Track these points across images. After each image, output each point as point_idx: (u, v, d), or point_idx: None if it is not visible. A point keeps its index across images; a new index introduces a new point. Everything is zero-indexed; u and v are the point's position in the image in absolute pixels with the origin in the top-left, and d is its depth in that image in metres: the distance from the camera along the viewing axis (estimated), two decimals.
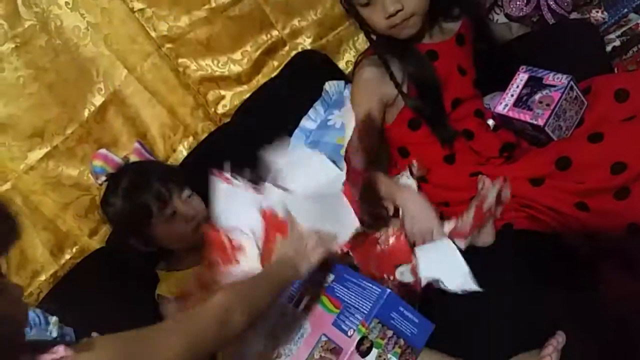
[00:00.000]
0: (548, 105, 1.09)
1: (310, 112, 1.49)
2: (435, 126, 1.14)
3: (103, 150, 1.17)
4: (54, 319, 1.12)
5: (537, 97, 1.12)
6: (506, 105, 1.15)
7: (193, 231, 1.13)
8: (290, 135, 1.48)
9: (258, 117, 1.49)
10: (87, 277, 1.24)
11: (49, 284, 1.28)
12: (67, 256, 1.31)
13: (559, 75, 1.11)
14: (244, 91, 1.55)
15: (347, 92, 1.52)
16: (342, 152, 1.38)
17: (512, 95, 1.15)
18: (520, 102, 1.14)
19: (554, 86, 1.11)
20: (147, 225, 1.12)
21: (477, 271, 1.00)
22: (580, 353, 0.87)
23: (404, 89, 1.13)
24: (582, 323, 0.90)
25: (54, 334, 1.10)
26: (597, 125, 1.05)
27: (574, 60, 1.20)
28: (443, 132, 1.14)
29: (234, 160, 1.41)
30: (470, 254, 1.01)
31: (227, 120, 1.53)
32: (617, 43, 1.39)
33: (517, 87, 1.15)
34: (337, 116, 1.45)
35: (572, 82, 1.10)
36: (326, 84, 1.52)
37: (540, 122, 1.09)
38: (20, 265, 1.24)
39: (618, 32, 1.41)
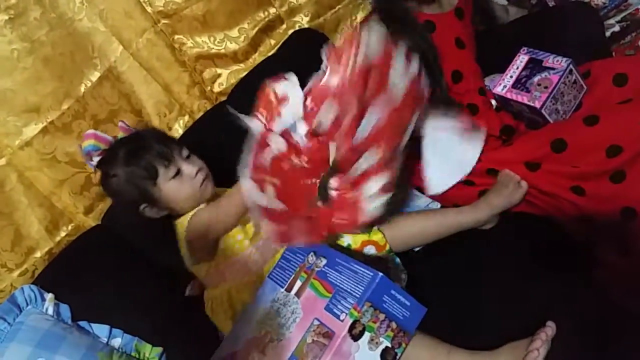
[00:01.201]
0: (546, 87, 1.09)
1: None
2: (433, 95, 1.14)
3: (91, 131, 1.16)
4: (50, 296, 1.13)
5: (536, 79, 1.12)
6: (505, 86, 1.15)
7: (200, 187, 1.14)
8: None
9: (254, 96, 1.47)
10: (83, 254, 1.24)
11: (44, 261, 1.28)
12: (63, 233, 1.31)
13: (559, 58, 1.11)
14: (241, 69, 1.54)
15: None
16: None
17: (511, 77, 1.15)
18: (519, 83, 1.14)
19: (553, 69, 1.11)
20: (153, 188, 1.11)
21: (473, 254, 1.01)
22: (571, 341, 0.88)
23: None
24: (575, 308, 0.91)
25: (50, 311, 1.11)
26: (593, 109, 1.06)
27: (574, 44, 1.19)
28: (442, 101, 1.14)
29: (230, 140, 1.42)
30: (469, 237, 1.02)
31: (224, 99, 1.52)
32: (617, 29, 1.39)
33: (517, 68, 1.15)
34: None
35: (571, 66, 1.10)
36: (324, 62, 1.50)
37: (537, 104, 1.09)
38: (15, 241, 1.24)
39: (618, 17, 1.41)
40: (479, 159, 1.13)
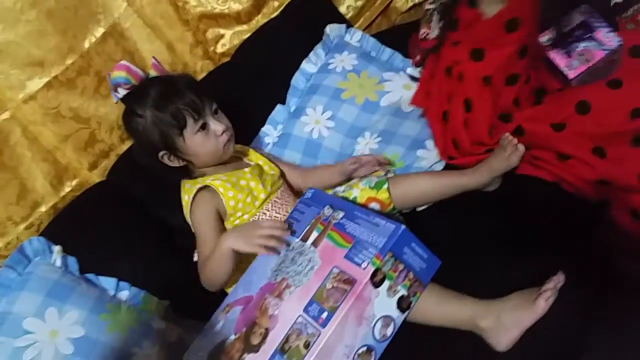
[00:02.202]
0: (587, 61, 1.08)
1: (311, 55, 1.49)
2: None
3: (124, 62, 1.11)
4: (57, 248, 1.14)
5: (581, 46, 1.10)
6: (550, 39, 1.12)
7: (224, 147, 1.12)
8: (290, 78, 1.49)
9: (258, 58, 1.48)
10: (89, 209, 1.25)
11: (49, 216, 1.28)
12: (67, 189, 1.31)
13: (611, 35, 1.08)
14: (244, 31, 1.53)
15: (348, 37, 1.53)
16: (343, 95, 1.41)
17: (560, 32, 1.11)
18: (564, 43, 1.11)
19: (602, 44, 1.08)
20: (178, 137, 1.09)
21: (477, 215, 1.06)
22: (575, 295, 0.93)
23: None
24: (578, 270, 0.96)
25: (58, 263, 1.12)
26: (615, 74, 1.08)
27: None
28: None
29: (233, 100, 1.43)
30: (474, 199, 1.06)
31: (227, 59, 1.52)
32: (620, 0, 1.41)
33: (567, 26, 1.11)
34: (338, 60, 1.46)
35: (620, 47, 1.08)
36: (327, 27, 1.52)
37: (571, 75, 1.10)
38: (20, 195, 1.23)
39: None
40: (511, 119, 1.16)
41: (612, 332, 1.01)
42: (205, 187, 1.13)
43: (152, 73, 1.15)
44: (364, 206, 1.16)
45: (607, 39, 1.08)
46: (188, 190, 1.15)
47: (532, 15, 1.11)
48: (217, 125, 1.11)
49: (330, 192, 1.25)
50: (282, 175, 1.28)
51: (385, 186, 1.17)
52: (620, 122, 1.03)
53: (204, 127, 1.10)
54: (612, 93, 1.04)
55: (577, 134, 1.07)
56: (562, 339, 0.93)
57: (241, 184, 1.15)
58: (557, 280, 0.90)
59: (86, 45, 1.27)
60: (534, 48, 1.20)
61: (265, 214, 1.17)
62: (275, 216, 1.17)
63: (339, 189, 1.24)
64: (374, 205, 1.18)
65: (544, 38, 1.13)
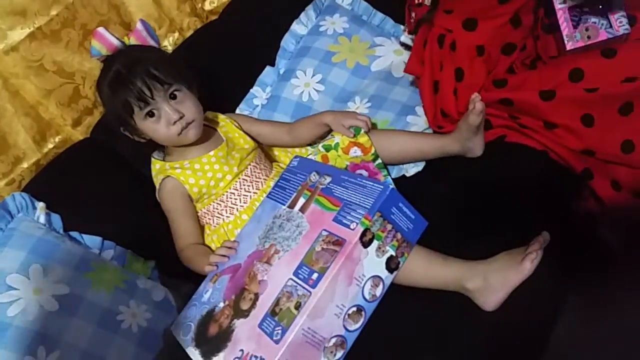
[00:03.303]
0: (589, 38, 1.09)
1: (302, 16, 1.47)
2: None
3: (101, 30, 1.08)
4: (41, 204, 1.11)
5: (590, 21, 1.09)
6: (564, 2, 1.11)
7: (178, 135, 1.09)
8: (280, 39, 1.46)
9: (247, 17, 1.46)
10: (73, 166, 1.22)
11: (31, 172, 1.25)
12: (50, 145, 1.28)
13: (623, 20, 1.07)
14: None
15: (339, 0, 1.50)
16: (333, 59, 1.39)
17: None
18: (576, 10, 1.10)
19: (610, 26, 1.08)
20: (130, 120, 1.09)
21: (465, 180, 1.07)
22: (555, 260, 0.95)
23: None
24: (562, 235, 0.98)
25: (42, 220, 1.10)
26: (611, 43, 1.09)
27: None
28: None
29: (220, 61, 1.40)
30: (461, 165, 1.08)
31: (215, 18, 1.49)
32: None
33: None
34: (329, 22, 1.44)
35: (626, 35, 1.08)
36: None
37: (568, 47, 1.10)
38: (1, 150, 1.20)
39: None
40: (505, 84, 1.16)
41: (589, 299, 1.05)
42: (168, 176, 1.14)
43: (132, 40, 1.12)
44: (345, 152, 1.18)
45: (618, 23, 1.08)
46: (155, 174, 1.18)
47: None
48: (169, 114, 1.07)
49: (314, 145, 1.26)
50: (259, 146, 1.26)
51: (362, 131, 1.17)
52: (611, 85, 1.04)
53: (152, 114, 1.07)
54: (606, 62, 1.05)
55: (566, 100, 1.08)
56: (541, 302, 0.96)
57: (205, 169, 1.15)
58: (542, 241, 0.92)
59: None
60: (529, 18, 1.20)
61: (233, 193, 1.17)
62: (244, 194, 1.17)
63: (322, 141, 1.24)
64: (356, 149, 1.18)
65: (559, 1, 1.12)
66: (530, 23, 1.22)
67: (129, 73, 1.04)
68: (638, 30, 1.10)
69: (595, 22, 1.09)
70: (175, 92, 1.08)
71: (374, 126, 1.26)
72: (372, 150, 1.18)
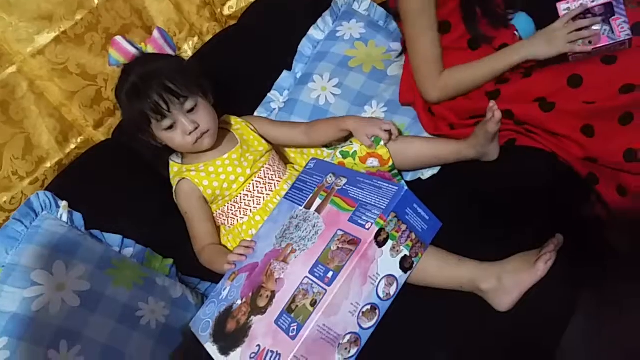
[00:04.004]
0: (590, 43, 1.10)
1: (319, 21, 1.50)
2: (471, 20, 1.19)
3: (119, 38, 1.12)
4: (63, 203, 1.15)
5: (594, 26, 1.10)
6: (569, 9, 1.13)
7: (194, 144, 1.13)
8: (297, 43, 1.49)
9: (265, 22, 1.48)
10: (95, 166, 1.25)
11: (54, 172, 1.28)
12: (72, 146, 1.31)
13: (625, 27, 1.08)
14: None
15: (356, 5, 1.52)
16: (350, 63, 1.41)
17: (580, 4, 1.11)
18: (581, 17, 1.11)
19: (612, 32, 1.09)
20: (148, 128, 1.13)
21: (479, 184, 1.08)
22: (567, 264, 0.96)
23: None
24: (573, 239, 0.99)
25: (64, 218, 1.13)
26: (612, 50, 1.10)
27: None
28: (476, 28, 1.19)
29: (239, 64, 1.43)
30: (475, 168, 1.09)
31: (233, 22, 1.52)
32: None
33: (593, 1, 1.11)
34: (346, 28, 1.46)
35: (627, 43, 1.09)
36: None
37: (569, 52, 1.12)
38: (26, 150, 1.23)
39: None
40: (498, 95, 1.18)
41: (600, 300, 1.05)
42: (183, 179, 1.17)
43: (150, 48, 1.15)
44: (362, 161, 1.19)
45: (620, 29, 1.09)
46: (173, 177, 1.21)
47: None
48: (185, 125, 1.10)
49: (331, 147, 1.28)
50: (273, 148, 1.28)
51: (382, 142, 1.18)
52: (609, 97, 1.05)
53: (172, 126, 1.11)
54: (605, 68, 1.06)
55: (566, 112, 1.09)
56: (554, 303, 0.97)
57: (218, 172, 1.18)
58: (556, 243, 0.93)
59: (96, 1, 1.26)
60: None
61: (247, 194, 1.19)
62: (257, 196, 1.20)
63: (340, 144, 1.26)
64: (373, 160, 1.20)
65: (564, 4, 1.14)
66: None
67: (146, 86, 1.07)
68: None
69: (598, 28, 1.10)
70: (191, 104, 1.11)
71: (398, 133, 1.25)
72: (390, 163, 1.19)
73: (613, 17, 1.09)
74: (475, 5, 1.20)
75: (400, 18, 1.24)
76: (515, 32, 1.24)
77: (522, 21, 1.28)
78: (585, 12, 1.11)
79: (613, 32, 1.09)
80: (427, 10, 1.18)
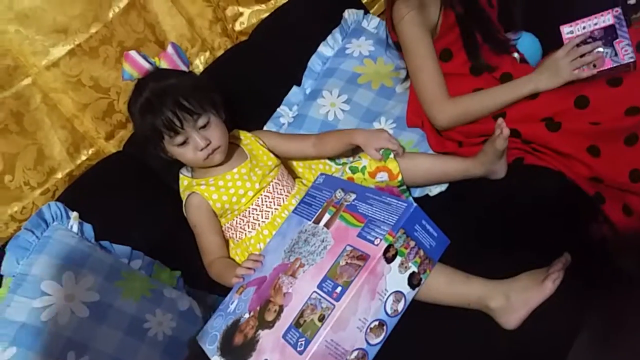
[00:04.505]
0: (595, 66, 1.11)
1: (329, 38, 1.51)
2: (472, 48, 1.20)
3: (133, 53, 1.13)
4: (74, 214, 1.16)
5: (597, 49, 1.11)
6: (572, 32, 1.14)
7: (204, 159, 1.14)
8: (307, 59, 1.51)
9: (275, 39, 1.50)
10: (105, 178, 1.27)
11: (65, 183, 1.30)
12: (83, 157, 1.33)
13: (629, 50, 1.10)
14: (262, 10, 1.56)
15: (365, 23, 1.54)
16: (359, 80, 1.43)
17: (584, 28, 1.13)
18: (584, 42, 1.13)
19: (616, 54, 1.10)
20: (160, 143, 1.14)
21: (487, 201, 1.08)
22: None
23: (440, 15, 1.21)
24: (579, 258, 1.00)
25: (75, 229, 1.14)
26: (617, 72, 1.11)
27: (595, 9, 1.23)
28: (477, 56, 1.21)
29: (249, 79, 1.44)
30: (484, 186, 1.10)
31: (244, 38, 1.54)
32: (633, 2, 1.44)
33: (596, 24, 1.12)
34: (355, 45, 1.48)
35: (632, 65, 1.10)
36: (345, 11, 1.53)
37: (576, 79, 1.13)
38: (37, 160, 1.25)
39: None
40: (504, 115, 1.19)
41: (604, 320, 1.05)
42: (193, 192, 1.18)
43: (163, 64, 1.17)
44: (372, 176, 1.20)
45: (624, 52, 1.10)
46: (183, 190, 1.22)
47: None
48: (197, 141, 1.12)
49: (340, 160, 1.29)
50: (282, 163, 1.29)
51: (392, 155, 1.19)
52: (615, 118, 1.07)
53: (185, 141, 1.12)
54: (612, 91, 1.08)
55: (572, 132, 1.11)
56: (561, 322, 0.97)
57: (228, 186, 1.19)
58: (564, 262, 0.93)
59: (110, 15, 1.28)
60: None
61: (255, 209, 1.20)
62: (266, 210, 1.21)
63: (349, 159, 1.27)
64: (383, 174, 1.21)
65: (567, 28, 1.15)
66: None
67: (160, 103, 1.09)
68: None
69: (601, 51, 1.11)
70: (204, 121, 1.13)
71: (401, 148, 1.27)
72: (399, 178, 1.20)
73: (616, 40, 1.10)
74: (475, 32, 1.22)
75: (402, 50, 1.27)
76: (516, 55, 1.26)
77: (526, 42, 1.31)
78: (588, 37, 1.13)
79: (617, 55, 1.10)
80: (424, 39, 1.22)
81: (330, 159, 1.35)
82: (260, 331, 0.93)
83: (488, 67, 1.24)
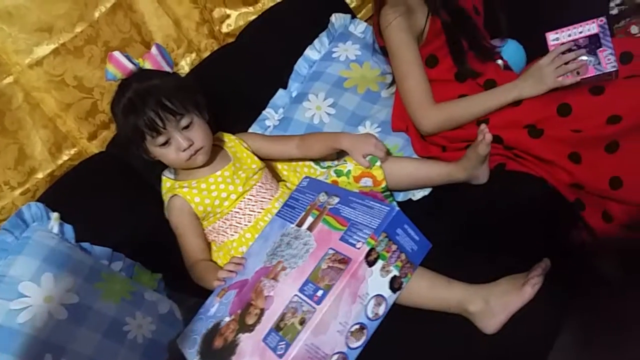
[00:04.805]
0: (578, 74, 1.12)
1: (315, 42, 1.52)
2: (458, 55, 1.21)
3: (117, 53, 1.13)
4: (55, 215, 1.14)
5: (581, 57, 1.13)
6: (557, 39, 1.16)
7: (187, 160, 1.14)
8: (293, 63, 1.51)
9: (262, 41, 1.50)
10: (87, 178, 1.25)
11: (46, 183, 1.28)
12: (65, 157, 1.32)
13: (612, 59, 1.11)
14: (249, 13, 1.56)
15: (352, 27, 1.55)
16: (345, 84, 1.43)
17: (569, 36, 1.15)
18: (569, 50, 1.14)
19: (599, 63, 1.11)
20: (142, 144, 1.13)
21: (469, 206, 1.09)
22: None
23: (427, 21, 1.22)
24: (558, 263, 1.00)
25: (55, 230, 1.13)
26: (600, 81, 1.13)
27: (580, 18, 1.25)
28: (464, 62, 1.22)
29: (235, 81, 1.44)
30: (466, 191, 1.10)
31: (231, 40, 1.54)
32: (615, 12, 1.46)
33: (581, 32, 1.14)
34: (342, 49, 1.48)
35: (614, 74, 1.11)
36: (332, 15, 1.54)
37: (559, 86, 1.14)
38: (18, 160, 1.23)
39: (618, 0, 1.47)
40: (486, 121, 1.20)
41: (583, 323, 1.06)
42: (175, 195, 1.18)
43: (147, 64, 1.16)
44: (356, 180, 1.20)
45: (607, 61, 1.12)
46: (165, 192, 1.21)
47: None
48: (180, 142, 1.11)
49: (324, 164, 1.29)
50: (266, 165, 1.29)
51: (378, 163, 1.19)
52: (596, 126, 1.08)
53: (167, 142, 1.12)
54: (594, 99, 1.09)
55: (554, 139, 1.12)
56: (540, 326, 0.97)
57: (210, 189, 1.18)
58: (544, 267, 0.94)
59: (96, 14, 1.27)
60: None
61: (238, 212, 1.20)
62: (248, 214, 1.20)
63: (334, 162, 1.27)
64: (367, 180, 1.21)
65: (553, 35, 1.17)
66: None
67: (142, 103, 1.08)
68: (630, 68, 1.13)
69: (584, 59, 1.13)
70: (186, 122, 1.12)
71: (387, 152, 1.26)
72: (383, 184, 1.20)
73: (600, 49, 1.12)
74: (461, 39, 1.23)
75: (388, 55, 1.28)
76: (500, 62, 1.28)
77: (511, 49, 1.32)
78: (572, 45, 1.14)
79: (600, 64, 1.12)
80: (410, 45, 1.23)
81: (315, 162, 1.34)
82: (240, 335, 0.92)
83: (473, 73, 1.25)
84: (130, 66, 1.14)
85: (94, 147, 1.35)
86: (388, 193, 1.22)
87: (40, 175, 1.28)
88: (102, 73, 1.29)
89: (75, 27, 1.25)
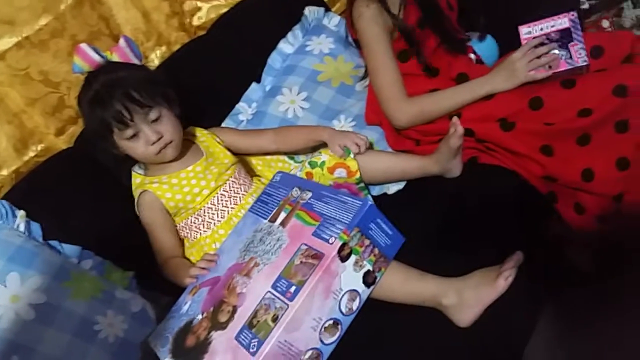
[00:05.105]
0: (550, 67, 1.13)
1: (289, 35, 1.50)
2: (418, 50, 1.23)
3: (83, 46, 1.10)
4: (21, 213, 1.11)
5: (553, 51, 1.13)
6: (530, 32, 1.17)
7: (156, 154, 1.12)
8: (266, 56, 1.49)
9: (235, 34, 1.48)
10: (55, 175, 1.22)
11: (11, 180, 1.25)
12: (32, 153, 1.28)
13: (583, 53, 1.12)
14: (221, 5, 1.53)
15: (326, 21, 1.53)
16: (319, 78, 1.42)
17: (541, 29, 1.15)
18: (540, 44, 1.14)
19: (571, 57, 1.12)
20: (110, 138, 1.11)
21: (443, 200, 1.09)
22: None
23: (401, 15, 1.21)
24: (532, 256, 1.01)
25: (21, 228, 1.10)
26: (571, 74, 1.14)
27: (551, 12, 1.25)
28: (422, 59, 1.23)
29: (207, 75, 1.42)
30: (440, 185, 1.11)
31: (202, 33, 1.51)
32: (586, 6, 1.48)
33: (553, 26, 1.15)
34: (316, 42, 1.47)
35: (584, 69, 1.12)
36: (306, 9, 1.53)
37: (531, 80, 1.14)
38: None
39: None
40: (460, 116, 1.20)
41: (558, 314, 1.07)
42: (145, 190, 1.16)
43: (115, 57, 1.13)
44: (330, 171, 1.19)
45: (578, 55, 1.13)
46: (135, 188, 1.20)
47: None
48: (149, 135, 1.09)
49: (299, 158, 1.28)
50: (240, 160, 1.28)
51: (352, 155, 1.18)
52: (568, 120, 1.09)
53: (131, 135, 1.09)
54: (565, 92, 1.10)
55: (526, 132, 1.13)
56: (514, 318, 0.98)
57: (182, 184, 1.17)
58: (516, 260, 0.94)
59: (62, 7, 1.24)
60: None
61: (211, 208, 1.18)
62: (222, 209, 1.19)
63: (308, 156, 1.26)
64: (341, 171, 1.20)
65: (525, 29, 1.18)
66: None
67: (109, 95, 1.06)
68: (601, 62, 1.14)
69: (556, 53, 1.14)
70: (155, 114, 1.10)
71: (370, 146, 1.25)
72: (357, 175, 1.20)
73: (571, 43, 1.13)
74: (432, 31, 1.24)
75: (361, 48, 1.27)
76: (472, 56, 1.28)
77: (484, 43, 1.32)
78: (544, 39, 1.15)
79: (571, 58, 1.13)
80: (383, 38, 1.23)
81: (289, 156, 1.33)
82: (213, 332, 0.91)
83: (433, 70, 1.25)
84: (97, 59, 1.11)
85: (62, 143, 1.32)
86: (362, 185, 1.21)
87: (5, 173, 1.25)
88: (69, 67, 1.25)
89: (40, 20, 1.21)
